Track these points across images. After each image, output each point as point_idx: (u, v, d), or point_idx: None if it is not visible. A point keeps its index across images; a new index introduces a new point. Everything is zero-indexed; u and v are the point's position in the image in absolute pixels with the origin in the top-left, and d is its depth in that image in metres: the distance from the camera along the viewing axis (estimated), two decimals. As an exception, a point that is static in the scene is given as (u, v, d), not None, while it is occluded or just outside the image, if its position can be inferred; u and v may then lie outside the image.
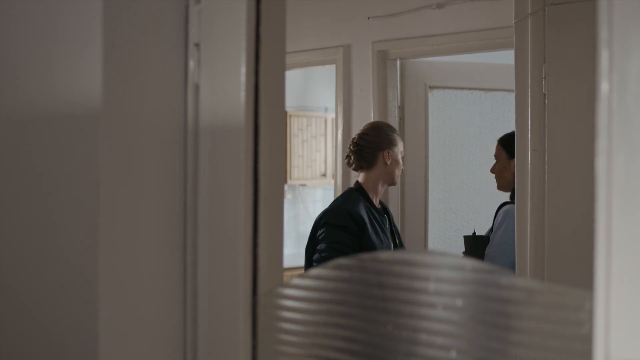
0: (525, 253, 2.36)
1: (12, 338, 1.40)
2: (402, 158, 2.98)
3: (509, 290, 1.02)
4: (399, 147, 2.96)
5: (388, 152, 2.93)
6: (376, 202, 2.96)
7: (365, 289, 1.17)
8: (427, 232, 3.67)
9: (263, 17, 1.28)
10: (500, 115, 3.65)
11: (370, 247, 2.75)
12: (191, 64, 1.31)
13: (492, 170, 3.01)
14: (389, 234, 2.89)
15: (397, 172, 2.97)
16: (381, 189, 2.97)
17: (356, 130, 3.53)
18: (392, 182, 2.98)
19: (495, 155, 3.00)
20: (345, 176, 3.66)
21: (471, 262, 1.05)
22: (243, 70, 1.26)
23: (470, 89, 3.68)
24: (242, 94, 1.26)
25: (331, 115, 5.87)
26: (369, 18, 3.44)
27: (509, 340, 1.02)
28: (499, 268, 1.05)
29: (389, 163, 2.93)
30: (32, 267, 1.35)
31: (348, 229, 2.74)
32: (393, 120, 3.57)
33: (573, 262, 2.18)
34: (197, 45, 1.30)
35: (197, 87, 1.30)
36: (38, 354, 1.34)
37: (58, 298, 1.31)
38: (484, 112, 3.73)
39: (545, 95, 2.34)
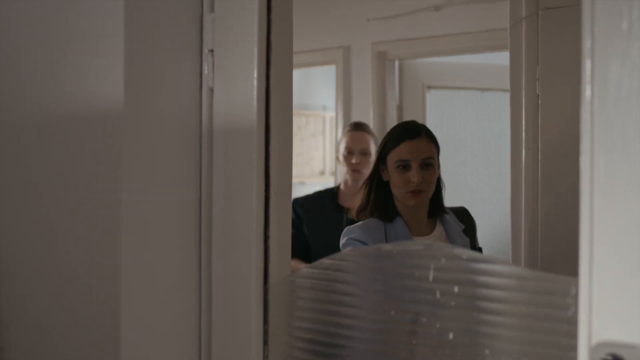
0: (519, 247, 2.45)
1: (38, 329, 1.49)
2: (345, 154, 3.05)
3: (502, 277, 1.12)
4: (341, 147, 3.08)
5: (338, 153, 3.15)
6: (349, 202, 3.00)
7: (369, 278, 1.26)
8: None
9: (273, 26, 1.36)
10: (496, 114, 3.73)
11: (304, 238, 2.96)
12: (205, 68, 1.39)
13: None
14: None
15: (344, 169, 3.07)
16: (348, 188, 3.05)
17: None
18: (347, 179, 3.06)
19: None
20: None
21: (467, 252, 1.14)
22: (255, 74, 1.34)
23: (467, 88, 3.75)
24: (255, 97, 1.35)
25: (329, 113, 5.95)
26: (368, 20, 3.51)
27: (502, 323, 1.11)
28: (492, 257, 1.15)
29: (339, 163, 3.14)
30: (57, 257, 1.44)
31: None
32: (391, 120, 3.65)
33: (565, 255, 2.27)
34: (211, 51, 1.39)
35: (211, 91, 1.39)
36: (62, 333, 1.43)
37: (82, 287, 1.40)
38: (480, 111, 3.81)
39: (538, 96, 2.43)
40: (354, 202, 2.95)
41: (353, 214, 2.16)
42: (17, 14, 1.49)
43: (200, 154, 1.41)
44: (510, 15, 2.55)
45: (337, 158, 3.22)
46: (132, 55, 1.31)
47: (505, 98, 3.19)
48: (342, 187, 3.10)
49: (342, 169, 3.12)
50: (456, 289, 1.15)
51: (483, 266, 1.13)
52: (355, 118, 3.69)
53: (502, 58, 3.01)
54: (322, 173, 6.57)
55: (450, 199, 3.82)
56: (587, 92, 0.99)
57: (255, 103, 1.35)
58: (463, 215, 2.26)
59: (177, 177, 1.38)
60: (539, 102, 2.43)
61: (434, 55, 3.56)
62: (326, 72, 4.98)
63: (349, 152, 3.07)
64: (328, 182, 6.57)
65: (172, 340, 1.38)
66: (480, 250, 2.27)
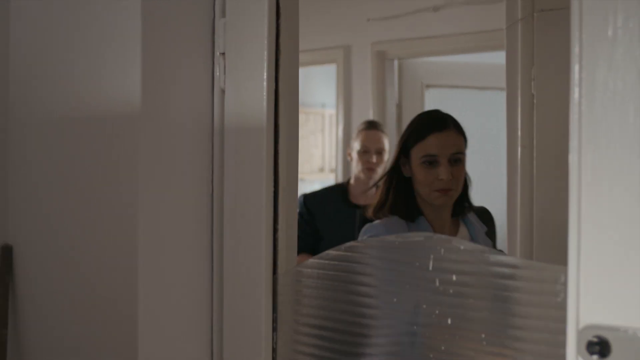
0: (515, 241, 2.52)
1: (61, 315, 1.57)
2: (360, 152, 3.07)
3: (498, 266, 1.20)
4: (355, 144, 3.10)
5: (350, 150, 3.17)
6: (360, 199, 3.02)
7: (372, 268, 1.34)
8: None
9: (282, 30, 1.44)
10: (493, 112, 3.80)
11: (316, 232, 2.97)
12: (217, 71, 1.47)
13: None
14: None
15: (357, 167, 3.07)
16: (360, 185, 3.06)
17: (356, 127, 3.69)
18: (359, 176, 3.06)
19: None
20: (346, 170, 3.81)
21: (464, 243, 1.22)
22: (265, 76, 1.42)
23: (465, 87, 3.82)
24: (265, 98, 1.42)
25: (329, 111, 6.02)
26: (368, 20, 3.58)
27: (497, 308, 1.20)
28: (488, 248, 1.23)
29: (351, 160, 3.16)
30: (80, 248, 1.52)
31: (302, 213, 2.96)
32: (391, 118, 3.72)
33: (558, 248, 2.34)
34: (222, 54, 1.46)
35: (222, 92, 1.47)
36: (86, 312, 1.51)
37: (102, 276, 1.48)
38: (477, 109, 3.88)
39: (534, 95, 2.50)
40: (366, 199, 2.95)
41: (369, 212, 1.98)
42: (45, 21, 1.57)
43: (212, 151, 1.49)
44: (506, 16, 2.62)
45: (348, 154, 3.21)
46: (149, 59, 1.39)
47: (503, 96, 3.25)
48: (352, 182, 3.11)
49: (354, 167, 3.11)
50: (454, 278, 1.23)
51: (479, 256, 1.21)
52: (355, 116, 3.76)
53: (499, 57, 3.08)
54: (322, 170, 6.64)
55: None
56: (575, 94, 1.06)
57: (265, 103, 1.42)
58: (484, 215, 2.11)
59: (190, 173, 1.46)
60: (534, 101, 2.50)
61: (432, 54, 3.62)
62: (325, 70, 5.05)
63: (365, 151, 3.07)
64: (328, 179, 6.64)
65: (187, 327, 1.46)
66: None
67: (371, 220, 1.98)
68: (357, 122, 3.65)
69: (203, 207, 1.48)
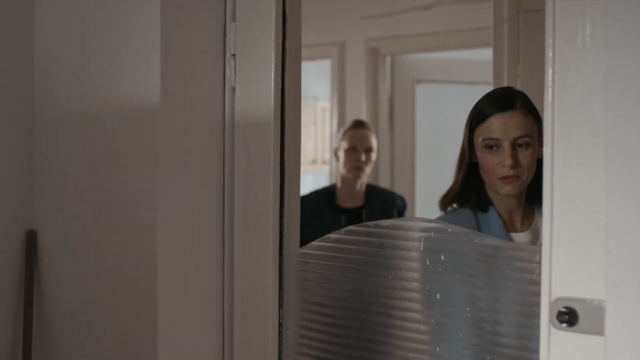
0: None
1: (83, 295, 1.71)
2: (348, 151, 2.98)
3: (481, 247, 1.35)
4: (343, 143, 3.01)
5: (336, 150, 3.08)
6: (348, 201, 2.97)
7: (370, 249, 1.49)
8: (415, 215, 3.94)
9: (288, 34, 1.58)
10: (481, 106, 3.93)
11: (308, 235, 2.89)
12: (228, 70, 1.61)
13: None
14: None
15: (345, 166, 2.97)
16: (347, 186, 2.99)
17: (349, 121, 3.78)
18: (347, 177, 2.98)
19: None
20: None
21: (451, 226, 1.37)
22: (272, 76, 1.56)
23: (454, 82, 3.94)
24: (272, 95, 1.56)
25: (321, 104, 6.15)
26: (361, 18, 3.68)
27: (481, 284, 1.35)
28: (473, 231, 1.38)
29: (337, 160, 3.06)
30: (101, 233, 1.66)
31: None
32: (383, 111, 3.84)
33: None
34: (233, 55, 1.60)
35: (233, 90, 1.61)
36: (107, 292, 1.65)
37: (122, 259, 1.62)
38: (466, 103, 4.00)
39: (519, 91, 2.65)
40: (354, 202, 2.94)
41: (438, 205, 1.81)
42: (68, 24, 1.70)
43: (223, 144, 1.63)
44: (493, 16, 2.75)
45: (334, 154, 3.10)
46: (167, 60, 1.52)
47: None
48: (338, 185, 3.03)
49: (341, 167, 3.02)
50: (442, 257, 1.38)
51: (465, 238, 1.36)
52: (349, 110, 3.88)
53: (487, 54, 3.21)
54: (314, 162, 6.77)
55: (438, 185, 4.00)
56: (549, 95, 1.21)
57: (272, 101, 1.56)
58: None
59: (204, 165, 1.60)
60: (520, 97, 2.64)
61: (423, 51, 3.74)
62: (318, 65, 5.17)
63: (353, 150, 2.99)
64: (321, 171, 6.77)
65: (201, 303, 1.61)
66: None
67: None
68: (351, 116, 3.76)
69: (216, 196, 1.62)
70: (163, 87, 1.51)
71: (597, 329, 1.12)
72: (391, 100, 3.88)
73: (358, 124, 3.09)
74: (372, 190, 3.10)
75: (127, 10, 1.57)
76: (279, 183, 1.57)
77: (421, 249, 1.40)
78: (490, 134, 1.68)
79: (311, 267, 1.57)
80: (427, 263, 1.39)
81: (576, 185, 1.17)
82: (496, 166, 1.67)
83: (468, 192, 1.74)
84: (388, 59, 3.84)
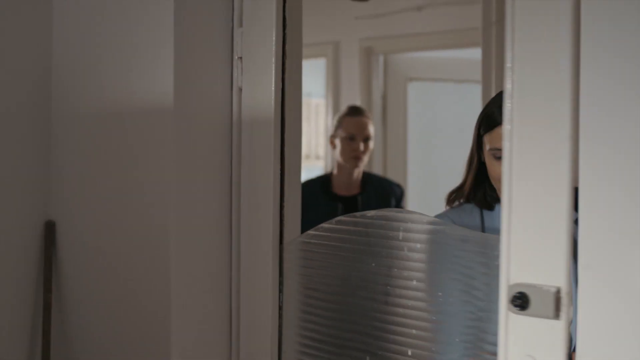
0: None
1: (98, 282, 1.83)
2: (345, 139, 2.90)
3: (452, 237, 1.47)
4: (339, 131, 2.91)
5: (332, 138, 2.98)
6: (344, 189, 2.92)
7: (358, 237, 1.62)
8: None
9: (288, 38, 1.71)
10: (470, 103, 4.04)
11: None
12: (236, 72, 1.74)
13: None
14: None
15: (342, 155, 2.89)
16: (343, 174, 2.93)
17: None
18: (344, 165, 2.90)
19: None
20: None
21: (427, 218, 1.51)
22: (273, 77, 1.69)
23: (444, 80, 4.07)
24: (273, 95, 1.69)
25: (315, 100, 6.27)
26: (356, 18, 3.79)
27: (451, 269, 1.47)
28: (442, 221, 1.50)
29: (333, 148, 2.97)
30: (116, 224, 1.79)
31: None
32: (377, 108, 3.96)
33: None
34: (240, 58, 1.73)
35: (240, 90, 1.74)
36: (121, 279, 1.78)
37: (136, 248, 1.75)
38: (456, 100, 4.11)
39: (505, 89, 2.78)
40: (349, 189, 2.89)
41: (445, 200, 1.81)
42: (85, 27, 1.82)
43: (231, 140, 1.76)
44: (482, 18, 2.88)
45: (331, 142, 3.02)
46: (179, 62, 1.65)
47: (479, 89, 3.51)
48: (335, 172, 2.98)
49: (337, 155, 2.95)
50: (418, 246, 1.52)
51: (437, 228, 1.49)
52: (344, 107, 3.96)
53: (476, 53, 3.32)
54: (308, 157, 6.89)
55: (430, 179, 4.11)
56: (508, 104, 1.27)
57: (273, 100, 1.69)
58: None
59: (213, 159, 1.73)
60: (506, 95, 2.77)
61: (415, 50, 3.86)
62: (311, 62, 5.28)
63: (351, 138, 2.91)
64: (314, 166, 6.90)
65: (210, 287, 1.74)
66: None
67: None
68: None
69: (224, 188, 1.75)
70: (176, 88, 1.64)
71: (548, 313, 1.19)
72: (384, 97, 3.99)
73: (355, 111, 2.99)
74: (369, 178, 3.07)
75: (142, 15, 1.69)
76: (279, 175, 1.70)
77: (400, 238, 1.54)
78: (497, 144, 1.60)
79: (309, 253, 1.70)
80: (405, 251, 1.53)
81: (531, 179, 1.23)
82: (500, 174, 1.58)
83: (476, 190, 1.72)
84: (381, 57, 3.95)
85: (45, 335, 1.86)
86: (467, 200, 1.73)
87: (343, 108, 3.93)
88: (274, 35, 1.69)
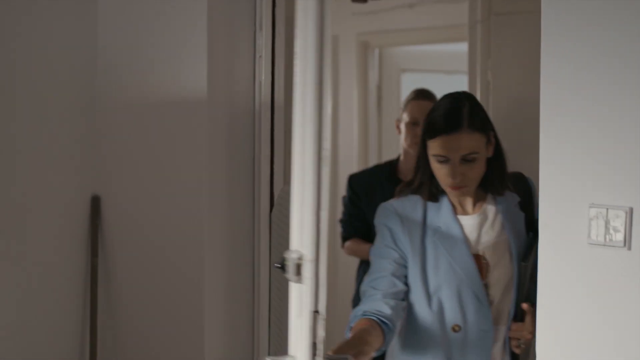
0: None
1: (139, 252, 2.14)
2: (409, 124, 2.73)
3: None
4: (404, 116, 2.76)
5: (398, 122, 2.83)
6: (409, 175, 2.60)
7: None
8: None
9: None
10: (459, 93, 4.29)
11: (364, 215, 2.66)
12: (257, 68, 2.05)
13: None
14: None
15: (406, 140, 2.74)
16: (409, 160, 2.65)
17: (342, 108, 4.05)
18: (409, 151, 2.70)
19: None
20: (333, 149, 4.17)
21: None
22: (283, 73, 2.00)
23: (435, 71, 4.31)
24: (282, 89, 2.01)
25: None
26: (353, 14, 4.01)
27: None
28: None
29: (399, 133, 2.81)
30: (156, 199, 2.10)
31: (349, 196, 2.77)
32: (372, 98, 4.17)
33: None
34: (260, 56, 2.04)
35: (260, 84, 2.05)
36: (159, 248, 2.09)
37: (172, 221, 2.06)
38: (445, 89, 4.33)
39: (489, 81, 3.07)
40: None
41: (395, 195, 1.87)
42: (128, 26, 2.12)
43: (253, 128, 2.07)
44: (468, 17, 3.17)
45: (397, 127, 2.83)
46: (211, 59, 1.96)
47: (466, 79, 3.76)
48: (401, 158, 2.79)
49: (402, 140, 2.76)
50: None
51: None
52: (341, 97, 4.20)
53: (463, 47, 3.56)
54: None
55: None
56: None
57: (282, 93, 2.01)
58: (519, 184, 1.88)
59: (240, 144, 2.05)
60: (490, 86, 3.06)
61: (408, 44, 4.12)
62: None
63: (414, 123, 2.69)
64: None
65: (234, 254, 2.05)
66: (536, 221, 1.64)
67: None
68: (343, 102, 4.09)
69: (248, 169, 2.07)
70: (209, 82, 1.95)
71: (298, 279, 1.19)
72: (379, 88, 4.21)
73: (421, 94, 2.82)
74: None
75: (179, 18, 2.00)
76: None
77: None
78: (438, 152, 1.73)
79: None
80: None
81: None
82: (445, 177, 1.74)
83: (422, 186, 1.82)
84: (377, 51, 4.18)
85: (92, 290, 2.17)
86: (414, 192, 1.84)
87: (341, 98, 4.13)
88: (283, 36, 2.01)
